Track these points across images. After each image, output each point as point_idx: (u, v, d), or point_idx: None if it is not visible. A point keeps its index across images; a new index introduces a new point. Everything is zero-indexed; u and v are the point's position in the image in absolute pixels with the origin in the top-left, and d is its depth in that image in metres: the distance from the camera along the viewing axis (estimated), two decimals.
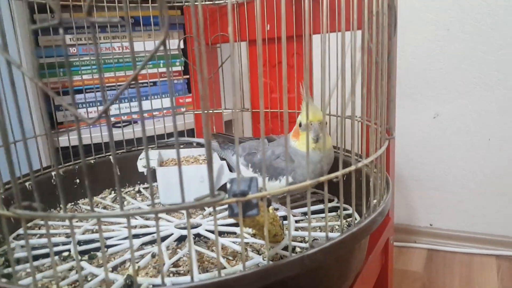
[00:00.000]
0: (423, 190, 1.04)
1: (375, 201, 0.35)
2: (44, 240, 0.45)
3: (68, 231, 0.47)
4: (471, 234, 1.01)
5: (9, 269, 0.38)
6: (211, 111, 0.69)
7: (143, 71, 0.84)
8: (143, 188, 0.63)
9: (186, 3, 0.67)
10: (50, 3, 0.19)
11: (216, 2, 0.65)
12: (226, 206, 0.26)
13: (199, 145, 0.66)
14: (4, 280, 0.34)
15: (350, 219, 0.45)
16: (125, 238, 0.45)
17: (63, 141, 0.69)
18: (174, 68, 0.89)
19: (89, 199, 0.24)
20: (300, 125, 0.45)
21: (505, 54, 0.87)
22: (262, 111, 0.27)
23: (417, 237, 1.06)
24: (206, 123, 0.23)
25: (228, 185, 0.25)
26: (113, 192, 0.61)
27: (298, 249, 0.41)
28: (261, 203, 0.26)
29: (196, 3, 0.23)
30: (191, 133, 0.76)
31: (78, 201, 0.57)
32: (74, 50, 0.86)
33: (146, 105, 0.88)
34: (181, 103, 0.95)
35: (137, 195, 0.61)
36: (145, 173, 0.57)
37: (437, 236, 1.04)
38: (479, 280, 0.88)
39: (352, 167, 0.29)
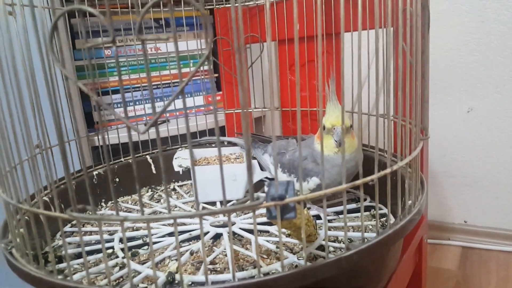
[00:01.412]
0: (456, 187, 1.02)
1: (410, 201, 0.35)
2: (88, 238, 0.48)
3: (111, 228, 0.49)
4: (508, 231, 0.98)
5: (59, 265, 0.41)
6: (239, 111, 0.71)
7: (175, 71, 0.86)
8: (178, 186, 0.65)
9: (217, 6, 0.68)
10: (104, 22, 0.21)
11: (246, 3, 0.66)
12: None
13: (231, 143, 0.67)
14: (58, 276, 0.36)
15: (384, 219, 0.45)
16: (163, 236, 0.47)
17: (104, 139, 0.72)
18: (204, 67, 0.91)
19: (139, 204, 0.26)
20: (324, 127, 0.45)
21: None
22: (299, 114, 0.28)
23: (451, 234, 1.04)
24: (246, 134, 0.24)
25: (266, 188, 0.26)
26: (150, 190, 0.64)
27: (331, 249, 0.42)
28: (298, 206, 0.27)
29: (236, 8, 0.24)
30: (221, 131, 0.78)
31: (118, 199, 0.60)
32: (109, 52, 0.89)
33: (178, 103, 0.91)
34: (211, 101, 0.96)
35: (172, 192, 0.63)
36: (181, 172, 0.59)
37: (471, 233, 1.02)
38: None
39: (388, 170, 0.29)
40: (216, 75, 0.93)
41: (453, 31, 0.92)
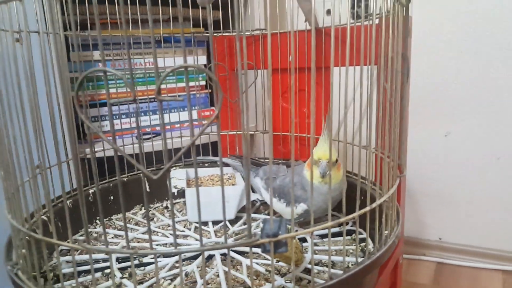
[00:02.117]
0: (433, 205, 1.08)
1: (386, 232, 0.39)
2: (85, 257, 0.50)
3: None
4: (479, 248, 1.04)
5: (58, 285, 0.43)
6: (234, 133, 0.74)
7: (163, 86, 0.88)
8: (170, 204, 0.68)
9: (214, 34, 0.72)
10: (125, 81, 0.24)
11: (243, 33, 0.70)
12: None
13: (223, 164, 0.71)
14: None
15: (364, 243, 0.49)
16: (159, 256, 0.50)
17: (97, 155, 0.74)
18: (201, 83, 0.94)
19: (149, 238, 0.29)
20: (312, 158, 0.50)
21: None
22: (293, 147, 0.32)
23: (426, 250, 1.09)
24: (247, 173, 0.28)
25: (261, 225, 0.30)
26: (143, 208, 0.66)
27: (315, 271, 0.46)
28: (289, 240, 0.31)
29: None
30: (214, 148, 0.81)
31: (112, 217, 0.63)
32: (101, 65, 0.92)
33: (172, 117, 0.93)
34: (203, 116, 0.99)
35: (165, 210, 0.66)
36: (176, 193, 0.62)
37: (446, 249, 1.08)
38: None
39: (367, 208, 0.33)
40: (210, 91, 0.97)
41: (434, 59, 0.97)
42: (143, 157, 0.30)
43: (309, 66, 0.64)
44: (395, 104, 0.40)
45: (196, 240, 0.55)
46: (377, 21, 0.39)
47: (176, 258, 0.50)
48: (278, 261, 0.43)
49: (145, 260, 0.49)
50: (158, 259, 0.49)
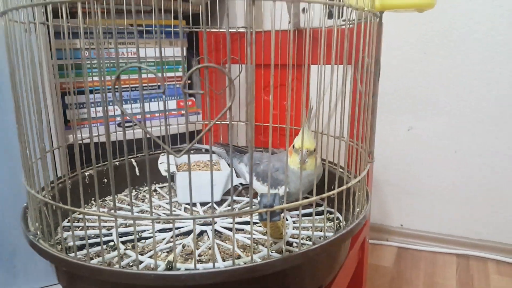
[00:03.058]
0: (396, 194, 1.17)
1: (358, 209, 0.46)
2: (89, 232, 0.54)
3: (106, 224, 0.57)
4: (436, 234, 1.14)
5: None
6: (218, 122, 0.80)
7: (149, 75, 0.92)
8: (159, 187, 0.73)
9: (202, 29, 0.77)
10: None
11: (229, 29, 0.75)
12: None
13: (207, 151, 0.76)
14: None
15: (338, 221, 0.56)
16: (156, 231, 0.55)
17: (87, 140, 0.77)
18: (178, 74, 0.98)
19: (169, 205, 0.34)
20: (293, 146, 0.56)
21: (474, 79, 1.00)
22: (288, 130, 0.38)
23: (389, 236, 1.19)
24: (250, 148, 0.34)
25: (259, 198, 0.36)
26: (134, 190, 0.71)
27: (294, 244, 0.52)
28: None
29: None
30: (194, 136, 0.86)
31: (106, 198, 0.67)
32: (87, 54, 0.94)
33: (155, 106, 0.97)
34: (182, 105, 1.04)
35: (154, 193, 0.71)
36: (167, 177, 0.67)
37: (406, 235, 1.17)
38: (441, 275, 1.01)
39: (345, 186, 0.40)
40: (189, 81, 1.01)
41: (401, 60, 1.06)
42: (169, 139, 0.35)
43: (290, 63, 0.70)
44: (368, 100, 0.47)
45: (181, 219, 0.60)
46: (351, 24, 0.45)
47: (171, 233, 0.55)
48: (265, 233, 0.50)
49: (144, 234, 0.54)
50: (156, 234, 0.54)
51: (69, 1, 0.33)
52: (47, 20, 0.61)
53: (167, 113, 0.44)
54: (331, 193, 0.38)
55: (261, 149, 0.75)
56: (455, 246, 1.12)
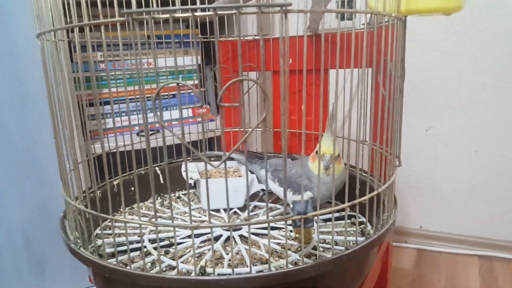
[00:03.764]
0: (415, 196, 1.16)
1: (386, 214, 0.47)
2: (122, 239, 0.56)
3: (137, 231, 0.58)
4: (456, 236, 1.12)
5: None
6: (237, 129, 0.81)
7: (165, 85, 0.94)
8: (182, 194, 0.74)
9: (219, 38, 0.78)
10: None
11: (245, 38, 0.76)
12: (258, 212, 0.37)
13: (229, 158, 0.77)
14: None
15: (363, 226, 0.57)
16: (184, 238, 0.56)
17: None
18: (192, 82, 1.00)
19: (207, 216, 0.35)
20: (316, 152, 0.56)
21: (492, 76, 0.99)
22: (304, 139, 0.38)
23: (408, 238, 1.18)
24: (284, 155, 0.35)
25: (291, 205, 0.37)
26: (159, 197, 0.72)
27: (321, 249, 0.52)
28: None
29: None
30: (218, 144, 0.86)
31: (134, 205, 0.68)
32: (103, 65, 0.96)
33: (166, 115, 0.98)
34: (198, 113, 1.05)
35: (178, 200, 0.72)
36: (192, 184, 0.68)
37: (426, 237, 1.16)
38: (463, 277, 1.00)
39: (375, 192, 0.40)
40: (204, 89, 1.03)
41: (417, 60, 1.06)
42: (206, 144, 0.36)
43: (308, 68, 0.71)
44: (395, 104, 0.47)
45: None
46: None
47: (202, 238, 0.56)
48: (295, 238, 0.50)
49: (172, 241, 0.55)
50: (183, 240, 0.55)
51: (105, 22, 0.35)
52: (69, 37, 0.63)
53: (202, 119, 0.45)
54: (362, 199, 0.39)
55: (281, 155, 0.76)
56: (477, 247, 1.10)
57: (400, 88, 0.49)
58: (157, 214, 0.65)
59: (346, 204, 0.38)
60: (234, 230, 0.58)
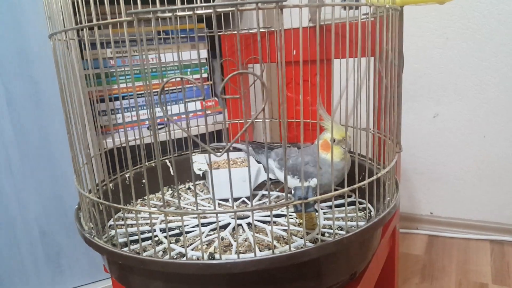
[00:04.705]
0: (424, 182, 1.17)
1: (388, 198, 0.48)
2: (134, 229, 0.58)
3: (149, 221, 0.60)
4: (467, 221, 1.13)
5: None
6: (236, 121, 0.82)
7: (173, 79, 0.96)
8: (192, 185, 0.76)
9: (225, 32, 0.80)
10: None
11: (250, 30, 0.78)
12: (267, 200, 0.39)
13: (235, 149, 0.79)
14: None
15: (367, 211, 0.58)
16: (194, 227, 0.58)
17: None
18: (201, 75, 1.01)
19: (213, 202, 0.37)
20: (334, 140, 0.57)
21: (498, 61, 0.99)
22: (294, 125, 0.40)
23: (418, 224, 1.19)
24: (284, 144, 0.36)
25: (293, 191, 0.38)
26: (169, 189, 0.74)
27: (326, 234, 0.54)
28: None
29: None
30: (222, 134, 0.88)
31: (145, 197, 0.70)
32: (113, 62, 0.98)
33: (175, 109, 1.00)
34: (207, 106, 1.07)
35: (188, 191, 0.74)
36: (201, 175, 0.71)
37: (436, 223, 1.17)
38: (474, 262, 1.00)
39: (375, 177, 0.41)
40: (210, 82, 1.04)
41: (422, 47, 1.05)
42: (209, 137, 0.38)
43: (312, 59, 0.72)
44: (393, 92, 0.48)
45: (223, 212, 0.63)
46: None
47: (211, 226, 0.58)
48: (299, 224, 0.52)
49: (185, 229, 0.58)
50: (192, 229, 0.58)
51: (113, 21, 0.36)
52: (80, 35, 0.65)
53: (206, 112, 0.47)
54: (362, 183, 0.40)
55: (288, 145, 0.77)
56: (488, 232, 1.11)
57: (398, 75, 0.50)
58: (168, 204, 0.68)
59: (346, 188, 0.40)
60: (242, 218, 0.60)
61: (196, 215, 0.36)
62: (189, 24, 0.90)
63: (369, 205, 0.59)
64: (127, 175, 0.68)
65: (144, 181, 0.71)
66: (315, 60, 0.73)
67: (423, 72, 1.08)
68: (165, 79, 0.35)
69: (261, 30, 0.79)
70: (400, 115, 0.52)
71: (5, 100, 0.81)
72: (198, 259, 0.49)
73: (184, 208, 0.67)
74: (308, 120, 0.78)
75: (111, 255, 0.41)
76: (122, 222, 0.61)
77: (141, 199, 0.70)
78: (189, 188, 0.76)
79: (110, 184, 0.62)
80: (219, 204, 0.67)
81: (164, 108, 0.35)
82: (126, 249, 0.50)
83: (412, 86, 1.10)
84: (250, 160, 0.76)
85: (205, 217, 0.62)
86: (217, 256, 0.49)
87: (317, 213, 0.61)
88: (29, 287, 0.92)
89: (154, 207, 0.67)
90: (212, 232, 0.58)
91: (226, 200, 0.69)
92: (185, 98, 0.37)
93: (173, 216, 0.62)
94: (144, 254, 0.50)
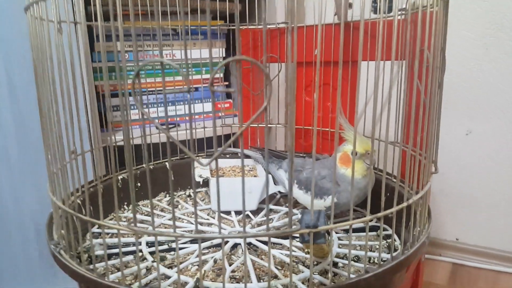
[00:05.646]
0: (451, 205, 1.07)
1: (418, 229, 0.39)
2: (115, 240, 0.51)
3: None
4: (498, 251, 1.02)
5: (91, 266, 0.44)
6: (255, 125, 0.75)
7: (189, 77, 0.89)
8: (193, 192, 0.69)
9: (242, 27, 0.73)
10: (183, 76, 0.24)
11: (268, 26, 0.70)
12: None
13: (245, 156, 0.71)
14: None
15: (390, 240, 0.49)
16: (186, 242, 0.51)
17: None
18: (216, 75, 0.94)
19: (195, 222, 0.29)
20: (356, 154, 0.49)
21: None
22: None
23: (442, 251, 1.08)
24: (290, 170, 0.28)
25: (300, 216, 0.30)
26: (167, 195, 0.67)
27: (340, 264, 0.46)
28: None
29: None
30: (234, 141, 0.81)
31: (139, 203, 0.63)
32: (126, 56, 0.92)
33: (187, 109, 0.94)
34: (219, 108, 1.00)
35: (188, 199, 0.67)
36: (201, 182, 0.63)
37: (462, 250, 1.07)
38: None
39: (405, 204, 0.33)
40: (227, 83, 0.97)
41: (457, 56, 0.96)
42: (195, 143, 0.30)
43: (335, 60, 0.64)
44: (432, 100, 0.40)
45: (222, 229, 0.55)
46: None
47: (205, 244, 0.50)
48: (307, 252, 0.44)
49: (173, 245, 0.50)
50: (187, 245, 0.50)
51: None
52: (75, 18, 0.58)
53: (192, 118, 0.39)
54: (388, 211, 0.32)
55: (302, 155, 0.69)
56: None
57: (440, 81, 0.41)
58: (162, 212, 0.61)
59: (368, 217, 0.31)
60: (240, 237, 0.52)
61: (175, 236, 0.29)
62: (203, 21, 0.83)
63: (390, 231, 0.50)
64: (122, 176, 0.62)
65: (139, 184, 0.64)
66: (337, 62, 0.65)
67: (458, 85, 0.98)
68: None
69: (281, 25, 0.71)
70: (439, 128, 0.43)
71: (7, 89, 0.76)
72: (185, 283, 0.41)
73: (180, 219, 0.59)
74: (327, 129, 0.69)
75: (73, 275, 0.34)
76: (110, 231, 0.54)
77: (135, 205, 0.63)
78: (189, 196, 0.68)
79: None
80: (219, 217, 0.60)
81: (140, 106, 0.27)
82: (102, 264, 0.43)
83: (444, 99, 0.99)
84: (258, 169, 0.68)
85: (203, 232, 0.55)
86: (206, 283, 0.41)
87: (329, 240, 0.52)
88: (19, 285, 0.87)
89: (147, 215, 0.60)
90: (207, 251, 0.50)
91: (228, 212, 0.61)
92: (190, 100, 0.30)
93: (165, 228, 0.55)
94: (125, 272, 0.42)
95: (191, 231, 0.55)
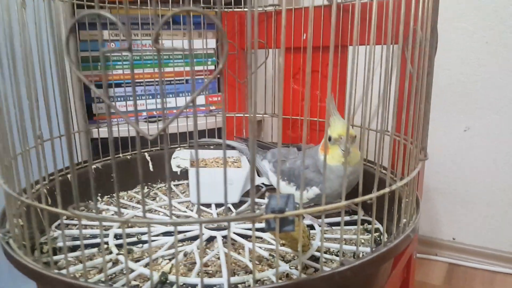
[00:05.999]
0: (448, 204, 1.04)
1: (404, 220, 0.36)
2: (83, 231, 0.48)
3: (106, 223, 0.50)
4: (495, 251, 1.00)
5: (54, 257, 0.41)
6: (241, 115, 0.71)
7: (177, 69, 0.86)
8: (174, 185, 0.66)
9: (224, 9, 0.69)
10: (122, 31, 0.21)
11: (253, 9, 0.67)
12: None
13: (229, 147, 0.68)
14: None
15: (377, 234, 0.46)
16: (158, 235, 0.48)
17: (103, 132, 0.71)
18: (209, 67, 0.91)
19: (142, 207, 0.26)
20: (329, 139, 0.46)
21: None
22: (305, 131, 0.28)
23: (438, 250, 1.06)
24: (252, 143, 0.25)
25: (267, 200, 0.27)
26: (146, 187, 0.64)
27: (323, 260, 0.42)
28: (296, 219, 0.28)
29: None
30: (220, 132, 0.78)
31: (114, 194, 0.60)
32: (112, 45, 0.89)
33: (179, 102, 0.90)
34: (211, 101, 0.97)
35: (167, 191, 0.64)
36: (179, 173, 0.60)
37: (459, 250, 1.04)
38: None
39: (386, 190, 0.30)
40: (218, 75, 0.94)
41: (456, 50, 0.93)
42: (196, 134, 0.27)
43: (325, 45, 0.61)
44: (421, 86, 0.36)
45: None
46: None
47: (179, 236, 0.47)
48: (283, 244, 0.40)
49: (145, 238, 0.47)
50: (158, 237, 0.47)
51: None
52: None
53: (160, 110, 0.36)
54: (367, 197, 0.28)
55: (287, 145, 0.66)
56: None
57: (430, 59, 0.38)
58: (138, 204, 0.57)
59: (343, 202, 0.28)
60: (218, 229, 0.48)
61: (121, 221, 0.26)
62: (195, 11, 0.80)
63: (378, 225, 0.47)
64: (93, 167, 0.58)
65: (113, 175, 0.61)
66: (328, 47, 0.62)
67: (455, 79, 0.95)
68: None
69: (269, 9, 0.68)
70: (429, 112, 0.40)
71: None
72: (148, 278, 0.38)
73: (156, 211, 0.56)
74: (315, 119, 0.66)
75: (18, 266, 0.30)
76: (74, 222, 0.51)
77: (109, 196, 0.60)
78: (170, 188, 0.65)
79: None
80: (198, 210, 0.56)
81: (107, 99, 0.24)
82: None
83: (442, 94, 0.97)
84: (243, 161, 0.64)
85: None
86: (172, 277, 0.38)
87: (314, 231, 0.49)
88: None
89: (123, 207, 0.57)
90: (181, 244, 0.47)
91: (209, 205, 0.58)
92: (134, 86, 0.26)
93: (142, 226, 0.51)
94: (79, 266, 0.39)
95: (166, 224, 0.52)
